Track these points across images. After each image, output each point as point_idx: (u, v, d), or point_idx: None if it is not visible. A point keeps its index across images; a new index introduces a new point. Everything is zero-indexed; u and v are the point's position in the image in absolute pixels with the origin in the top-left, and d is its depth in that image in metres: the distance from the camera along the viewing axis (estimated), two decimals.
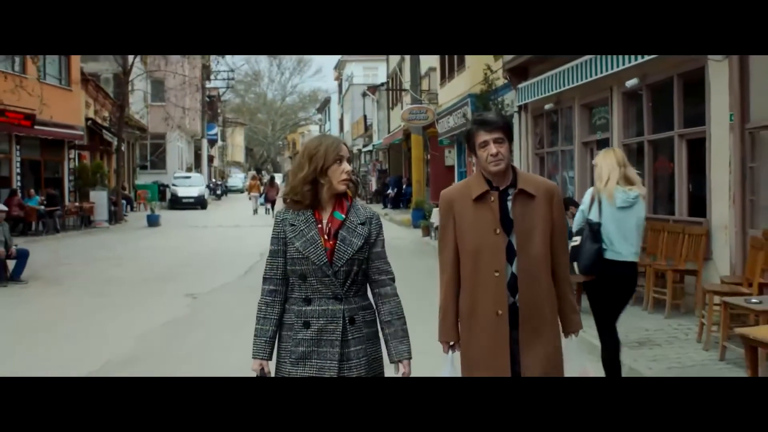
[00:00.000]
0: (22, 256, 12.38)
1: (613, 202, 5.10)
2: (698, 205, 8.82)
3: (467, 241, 3.25)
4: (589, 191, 5.39)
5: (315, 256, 3.02)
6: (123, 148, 29.39)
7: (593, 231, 5.13)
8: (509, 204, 3.21)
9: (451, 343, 3.34)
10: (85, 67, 27.10)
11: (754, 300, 5.87)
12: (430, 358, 3.68)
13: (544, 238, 3.22)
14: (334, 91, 67.64)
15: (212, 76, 50.56)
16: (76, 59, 24.73)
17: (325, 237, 3.05)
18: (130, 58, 26.98)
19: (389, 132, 35.59)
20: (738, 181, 7.84)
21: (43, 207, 21.04)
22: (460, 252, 3.28)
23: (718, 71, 8.12)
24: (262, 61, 73.76)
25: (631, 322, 8.01)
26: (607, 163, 5.25)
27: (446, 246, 3.34)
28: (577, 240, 5.23)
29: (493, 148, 3.18)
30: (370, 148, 44.31)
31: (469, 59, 18.87)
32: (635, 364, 6.35)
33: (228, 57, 43.57)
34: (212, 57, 39.87)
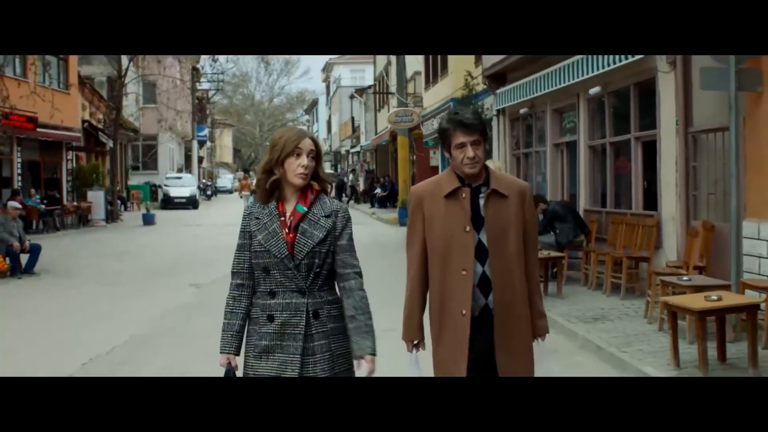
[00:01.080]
0: (35, 251, 13.32)
1: None
2: (651, 199, 9.92)
3: (436, 239, 3.19)
4: None
5: (276, 249, 3.01)
6: (117, 149, 30.27)
7: None
8: (481, 202, 3.16)
9: (415, 342, 3.27)
10: (80, 70, 27.93)
11: (684, 278, 6.96)
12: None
13: (517, 238, 3.17)
14: (321, 92, 68.66)
15: (202, 78, 51.42)
16: (74, 63, 25.61)
17: (287, 230, 3.04)
18: (125, 62, 27.88)
19: (376, 133, 36.65)
20: (682, 179, 8.94)
21: (43, 206, 21.94)
22: (429, 249, 3.23)
23: (666, 81, 9.20)
24: (250, 62, 74.60)
25: (590, 303, 9.14)
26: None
27: (414, 242, 3.28)
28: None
29: (470, 151, 3.12)
30: (357, 149, 45.38)
31: (452, 65, 19.93)
32: (588, 335, 7.42)
33: (220, 59, 44.40)
34: (207, 60, 40.76)
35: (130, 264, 14.86)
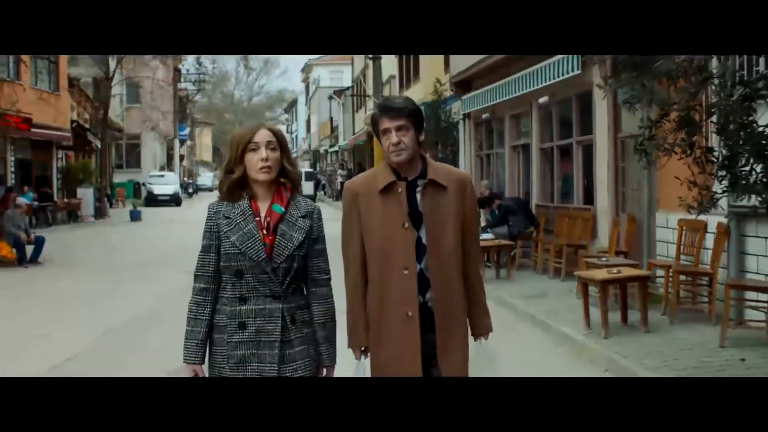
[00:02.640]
0: (39, 243, 14.58)
1: None
2: (589, 195, 11.42)
3: (374, 237, 3.02)
4: None
5: (253, 252, 2.82)
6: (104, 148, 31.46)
7: None
8: (418, 196, 3.01)
9: (363, 348, 3.10)
10: (68, 72, 29.01)
11: (603, 259, 8.41)
12: None
13: (455, 232, 3.02)
14: (301, 92, 69.87)
15: (182, 78, 52.50)
16: (63, 66, 26.75)
17: (264, 231, 2.86)
18: (112, 64, 29.04)
19: (354, 133, 38.03)
20: (612, 177, 10.42)
21: (36, 202, 23.10)
22: (367, 249, 3.05)
23: (600, 94, 10.64)
24: (229, 61, 75.59)
25: (535, 284, 10.60)
26: None
27: (351, 243, 3.09)
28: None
29: (394, 137, 2.95)
30: (336, 148, 46.77)
31: (423, 71, 21.38)
32: (527, 308, 8.87)
33: (204, 62, 45.60)
34: (192, 61, 41.94)
35: (124, 255, 16.15)
